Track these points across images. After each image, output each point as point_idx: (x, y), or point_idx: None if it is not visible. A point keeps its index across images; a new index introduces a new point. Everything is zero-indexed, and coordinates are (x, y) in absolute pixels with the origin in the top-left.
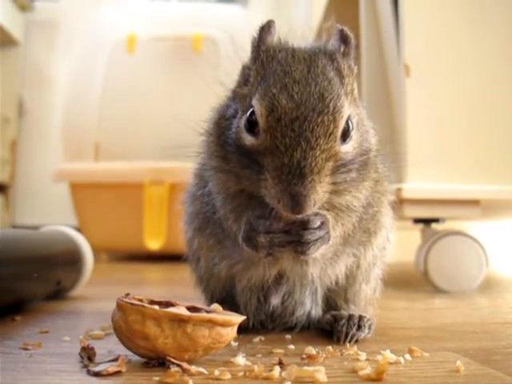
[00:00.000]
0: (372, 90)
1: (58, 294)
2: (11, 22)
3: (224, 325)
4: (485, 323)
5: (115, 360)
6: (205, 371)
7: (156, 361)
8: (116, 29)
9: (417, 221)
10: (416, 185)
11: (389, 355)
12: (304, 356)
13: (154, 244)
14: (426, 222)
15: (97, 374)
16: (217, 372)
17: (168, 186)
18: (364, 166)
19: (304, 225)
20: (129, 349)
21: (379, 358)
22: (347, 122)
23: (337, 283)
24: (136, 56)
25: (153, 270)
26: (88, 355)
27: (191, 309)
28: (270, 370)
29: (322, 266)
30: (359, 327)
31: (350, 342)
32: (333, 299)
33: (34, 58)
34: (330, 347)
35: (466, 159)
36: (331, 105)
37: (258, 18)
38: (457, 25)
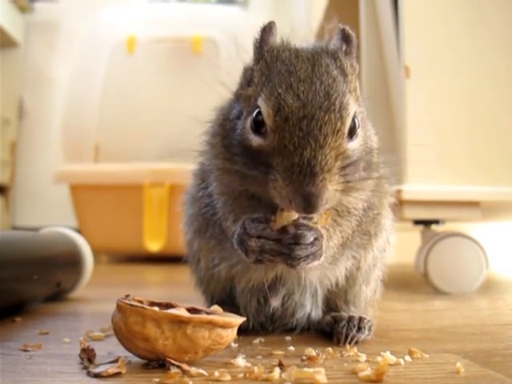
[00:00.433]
0: (372, 91)
1: (58, 295)
2: (11, 23)
3: (224, 326)
4: (485, 325)
5: (115, 361)
6: (205, 373)
7: (156, 362)
8: (116, 30)
9: (417, 222)
10: (416, 186)
11: (389, 357)
12: (304, 357)
13: (153, 245)
14: (426, 223)
15: (97, 376)
16: (217, 373)
17: (168, 187)
18: (368, 165)
19: (296, 239)
20: (129, 350)
21: (379, 359)
22: (353, 119)
23: (337, 285)
24: (136, 57)
25: (153, 272)
26: (88, 357)
27: (191, 310)
28: (270, 372)
29: (321, 270)
30: (359, 329)
31: (350, 343)
32: (333, 301)
33: (33, 60)
34: (330, 349)
35: (465, 160)
36: (337, 102)
37: (258, 19)
38: (456, 26)
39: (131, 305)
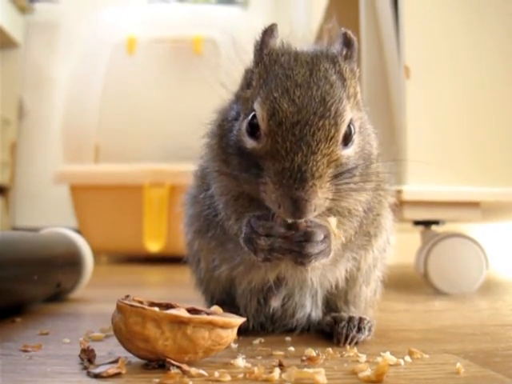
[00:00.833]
0: (372, 92)
1: (58, 295)
2: (11, 23)
3: (224, 327)
4: (485, 325)
5: (115, 362)
6: (205, 373)
7: (156, 362)
8: (116, 31)
9: (417, 223)
10: (416, 187)
11: (389, 357)
12: (304, 358)
13: (153, 246)
14: (426, 224)
15: (97, 376)
16: (217, 374)
17: (168, 187)
18: (366, 171)
19: (307, 236)
20: (129, 351)
21: (379, 359)
22: (349, 126)
23: (337, 286)
24: (136, 58)
25: (153, 272)
26: (88, 357)
27: (191, 311)
28: (270, 372)
29: (322, 271)
30: (359, 329)
31: (350, 343)
32: (333, 301)
33: (33, 60)
34: (330, 349)
35: (465, 161)
36: (333, 108)
37: (258, 20)
38: (456, 26)
39: (131, 305)
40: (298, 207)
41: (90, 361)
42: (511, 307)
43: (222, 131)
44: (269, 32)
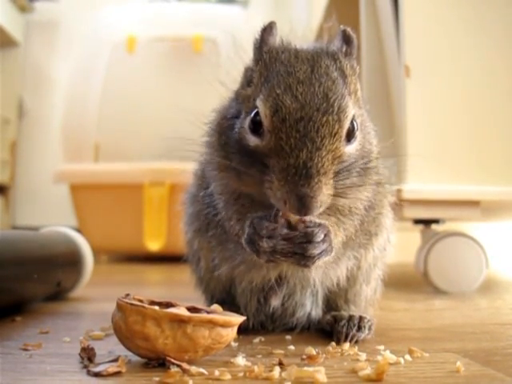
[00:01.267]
0: (372, 91)
1: (58, 294)
2: (11, 22)
3: (224, 325)
4: (485, 324)
5: (115, 360)
6: (205, 372)
7: (156, 361)
8: (116, 29)
9: (417, 222)
10: (416, 186)
11: (389, 356)
12: (304, 356)
13: (153, 245)
14: (426, 222)
15: (97, 375)
16: (217, 372)
17: (168, 186)
18: (366, 169)
19: (308, 237)
20: (129, 349)
21: (379, 358)
22: (352, 122)
23: (337, 284)
24: (136, 57)
25: (153, 271)
26: (88, 356)
27: (191, 309)
28: (270, 371)
29: (324, 270)
30: (359, 328)
31: (350, 342)
32: (333, 300)
33: (33, 59)
34: (330, 348)
35: (465, 160)
36: (336, 104)
37: (258, 19)
38: (456, 25)
39: (131, 304)
40: (304, 204)
41: (90, 359)
42: (511, 306)
43: (222, 129)
44: (268, 30)
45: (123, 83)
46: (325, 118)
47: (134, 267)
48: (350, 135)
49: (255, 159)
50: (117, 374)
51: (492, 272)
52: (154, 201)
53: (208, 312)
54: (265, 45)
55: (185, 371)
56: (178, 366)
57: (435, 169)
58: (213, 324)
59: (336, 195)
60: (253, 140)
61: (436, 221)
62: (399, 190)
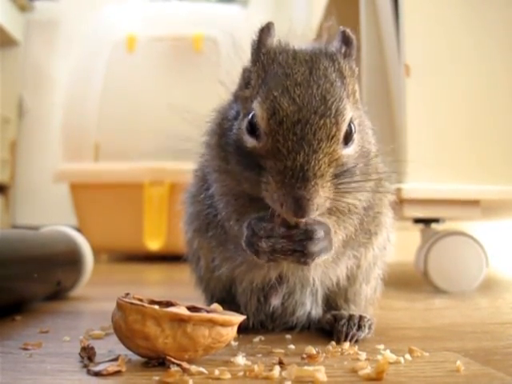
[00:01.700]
0: (372, 90)
1: (58, 294)
2: (11, 22)
3: (224, 324)
4: (485, 323)
5: (115, 360)
6: (205, 371)
7: (156, 360)
8: (116, 29)
9: (417, 221)
10: (416, 185)
11: (389, 355)
12: (304, 356)
13: (153, 244)
14: (426, 222)
15: (97, 374)
16: (217, 372)
17: (168, 186)
18: (365, 169)
19: (307, 235)
20: (129, 348)
21: (379, 357)
22: (349, 125)
23: (337, 283)
24: (136, 56)
25: (153, 271)
26: (88, 355)
27: (191, 309)
28: (270, 370)
29: (324, 269)
30: (359, 327)
31: (350, 341)
32: (333, 299)
33: (33, 58)
34: (330, 347)
35: (465, 159)
36: (333, 107)
37: (258, 18)
38: (457, 25)
39: (131, 303)
40: (300, 206)
41: (90, 359)
42: (511, 305)
43: (222, 130)
44: (266, 30)
45: (123, 82)
46: (322, 121)
47: (134, 266)
48: (348, 138)
49: (252, 161)
50: (117, 373)
51: (492, 271)
52: (153, 200)
53: (208, 311)
54: (262, 46)
55: (185, 370)
56: (178, 365)
57: (435, 168)
58: (213, 323)
59: (336, 196)
60: (250, 142)
61: (436, 220)
62: (399, 189)
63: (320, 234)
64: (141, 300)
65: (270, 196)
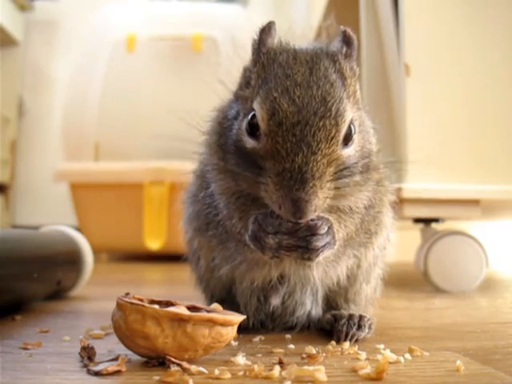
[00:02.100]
0: (372, 90)
1: (58, 293)
2: (11, 21)
3: (224, 324)
4: (485, 323)
5: (115, 359)
6: (205, 370)
7: (156, 360)
8: (116, 28)
9: (417, 220)
10: (416, 184)
11: (389, 354)
12: (304, 355)
13: (154, 244)
14: (426, 221)
15: (97, 374)
16: (217, 371)
17: (168, 185)
18: (366, 169)
19: (311, 230)
20: (129, 348)
21: (379, 357)
22: (349, 126)
23: (337, 283)
24: (136, 56)
25: (153, 270)
26: (88, 355)
27: (191, 308)
28: (270, 370)
29: (325, 268)
30: (359, 327)
31: (350, 341)
32: (333, 299)
33: (33, 58)
34: (330, 347)
35: (465, 159)
36: (333, 108)
37: (258, 18)
38: (457, 25)
39: (131, 303)
40: (298, 208)
41: (90, 358)
42: (511, 305)
43: (222, 129)
44: (266, 30)
45: (123, 82)
46: (322, 122)
47: (134, 266)
48: (348, 139)
49: (251, 161)
50: (117, 372)
51: (492, 271)
52: (154, 200)
53: (208, 311)
54: (263, 46)
55: (185, 370)
56: (178, 364)
57: (435, 168)
58: (213, 323)
59: (337, 196)
60: (249, 142)
61: (436, 220)
62: (399, 189)
63: (324, 228)
64: (141, 300)
65: (269, 197)
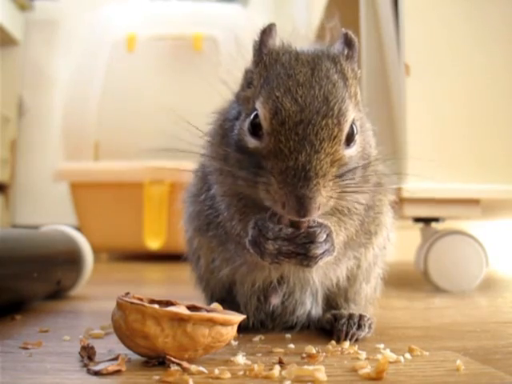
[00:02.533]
0: (372, 90)
1: (58, 293)
2: (11, 21)
3: (224, 324)
4: (485, 322)
5: (115, 359)
6: (205, 370)
7: (156, 360)
8: (116, 28)
9: (417, 220)
10: (416, 184)
11: (389, 354)
12: (304, 355)
13: (153, 243)
14: (426, 221)
15: (97, 373)
16: (217, 371)
17: (168, 185)
18: (366, 170)
19: (310, 237)
20: (129, 348)
21: (379, 356)
22: (351, 126)
23: (338, 283)
24: (136, 55)
25: (153, 270)
26: (88, 354)
27: (191, 308)
28: (270, 369)
29: (325, 270)
30: (359, 326)
31: (350, 341)
32: (333, 298)
33: (33, 58)
34: (329, 346)
35: (465, 158)
36: (336, 108)
37: (258, 18)
38: (457, 24)
39: (131, 302)
40: (302, 205)
41: (90, 358)
42: (511, 304)
43: (223, 131)
44: (267, 31)
45: (123, 82)
46: (324, 122)
47: (134, 266)
48: (350, 139)
49: (253, 161)
50: (117, 372)
51: (492, 270)
52: (154, 199)
53: (208, 310)
54: (264, 47)
55: (185, 370)
56: (178, 364)
57: (435, 167)
58: (213, 322)
59: (338, 197)
60: (252, 142)
61: (436, 219)
62: (399, 189)
63: (323, 236)
64: (141, 299)
65: (272, 197)
